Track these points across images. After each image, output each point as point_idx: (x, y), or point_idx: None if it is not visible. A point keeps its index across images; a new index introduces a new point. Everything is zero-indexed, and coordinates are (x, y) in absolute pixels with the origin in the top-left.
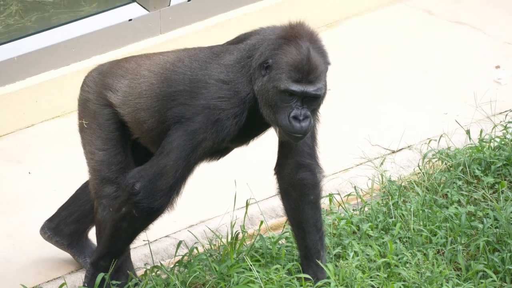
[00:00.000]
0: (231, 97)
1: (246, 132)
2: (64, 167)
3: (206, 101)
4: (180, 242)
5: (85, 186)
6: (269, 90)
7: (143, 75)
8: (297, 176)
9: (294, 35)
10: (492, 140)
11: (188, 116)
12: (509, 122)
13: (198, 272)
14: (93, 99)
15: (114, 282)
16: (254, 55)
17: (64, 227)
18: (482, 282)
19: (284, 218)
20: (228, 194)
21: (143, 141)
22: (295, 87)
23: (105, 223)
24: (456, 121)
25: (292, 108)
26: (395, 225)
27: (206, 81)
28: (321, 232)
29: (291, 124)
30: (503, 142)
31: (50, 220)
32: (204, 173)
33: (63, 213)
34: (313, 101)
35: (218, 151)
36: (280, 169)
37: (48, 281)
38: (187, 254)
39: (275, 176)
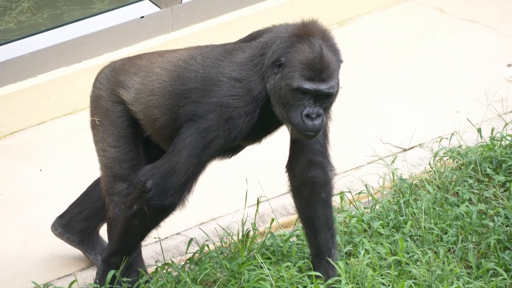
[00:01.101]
0: (244, 95)
1: (258, 130)
2: (75, 164)
3: (218, 99)
4: (191, 240)
5: (96, 183)
6: (281, 88)
7: (155, 73)
8: (309, 174)
9: (307, 33)
10: (504, 139)
11: (200, 114)
12: None
13: (209, 270)
14: (105, 96)
15: (125, 279)
16: (266, 53)
17: (75, 224)
18: (492, 280)
19: (295, 216)
20: (239, 192)
21: (155, 139)
22: (308, 85)
23: (116, 220)
24: (468, 120)
25: (305, 106)
26: (406, 223)
27: (219, 79)
28: (332, 230)
29: (303, 122)
30: None
31: (61, 216)
32: (215, 170)
33: (74, 210)
34: (325, 99)
35: (230, 149)
36: (291, 166)
37: (59, 278)
38: (198, 252)
39: (286, 174)
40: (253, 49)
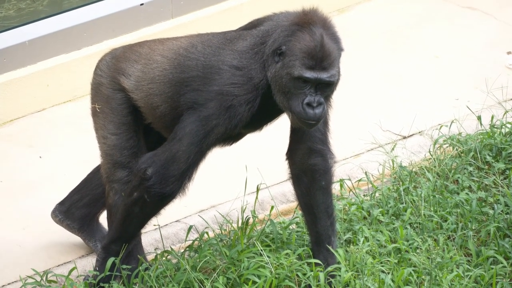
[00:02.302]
0: (244, 83)
1: (259, 118)
2: (75, 151)
3: (219, 87)
4: (190, 227)
5: (96, 170)
6: (282, 76)
7: (156, 60)
8: (309, 161)
9: (308, 22)
10: (503, 126)
11: (201, 102)
12: None
13: (208, 257)
14: (106, 84)
15: (124, 266)
16: (267, 42)
17: (75, 211)
18: (492, 268)
19: (294, 203)
20: (239, 179)
21: (156, 126)
22: (309, 74)
23: (116, 207)
24: (467, 107)
25: (306, 94)
26: (405, 211)
27: (219, 67)
28: (332, 218)
29: (304, 111)
30: None
31: (61, 203)
32: (215, 158)
33: (74, 197)
34: (326, 87)
35: (230, 136)
36: (291, 154)
37: (59, 265)
38: (198, 239)
39: (286, 162)
40: (254, 38)
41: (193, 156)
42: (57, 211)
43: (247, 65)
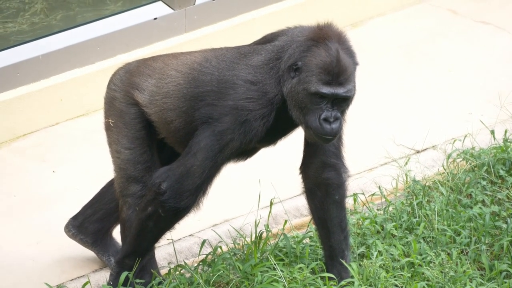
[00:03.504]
0: (259, 98)
1: (274, 132)
2: (88, 166)
3: (234, 102)
4: (204, 241)
5: (110, 185)
6: (299, 92)
7: (170, 75)
8: (323, 175)
9: (323, 37)
10: None
11: (215, 117)
12: None
13: (222, 271)
14: (119, 98)
15: (138, 280)
16: (282, 57)
17: (88, 225)
18: (506, 282)
19: (308, 218)
20: (253, 193)
21: (170, 141)
22: (326, 90)
23: (130, 222)
24: (481, 121)
25: (323, 110)
26: (419, 225)
27: (234, 82)
28: (346, 232)
29: (321, 126)
30: None
31: (74, 218)
32: (229, 172)
33: (87, 211)
34: (343, 102)
35: (245, 151)
36: (305, 168)
37: (72, 279)
38: (211, 253)
39: (300, 175)
40: (269, 52)
41: (207, 171)
42: (70, 225)
43: (262, 80)
